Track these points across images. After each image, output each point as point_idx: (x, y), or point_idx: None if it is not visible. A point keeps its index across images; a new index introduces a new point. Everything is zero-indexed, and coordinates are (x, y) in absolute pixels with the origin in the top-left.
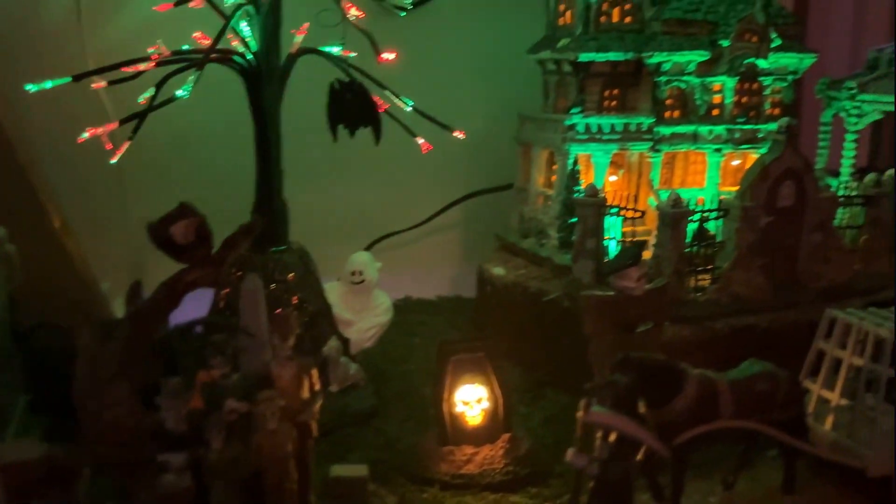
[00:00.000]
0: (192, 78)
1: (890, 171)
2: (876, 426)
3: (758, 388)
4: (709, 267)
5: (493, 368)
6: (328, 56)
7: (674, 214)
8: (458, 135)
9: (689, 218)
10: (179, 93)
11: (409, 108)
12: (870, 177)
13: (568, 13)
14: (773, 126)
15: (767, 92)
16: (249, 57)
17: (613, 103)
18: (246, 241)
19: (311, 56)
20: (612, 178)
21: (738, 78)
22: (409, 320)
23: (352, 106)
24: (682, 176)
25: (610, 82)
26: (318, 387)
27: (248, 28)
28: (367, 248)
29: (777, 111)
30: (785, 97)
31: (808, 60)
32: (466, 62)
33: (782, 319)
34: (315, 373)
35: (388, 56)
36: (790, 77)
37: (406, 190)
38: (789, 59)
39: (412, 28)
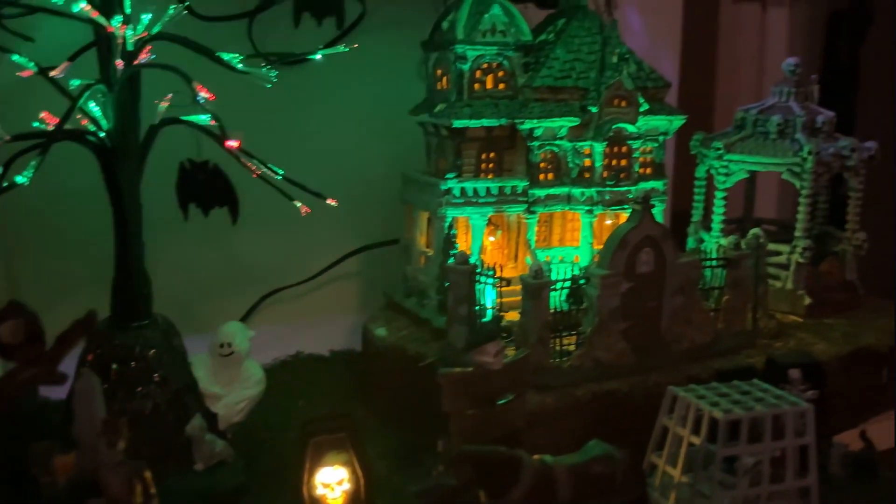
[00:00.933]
0: (33, 163)
1: (755, 231)
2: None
3: (595, 472)
4: (574, 332)
5: (354, 448)
6: (194, 125)
7: (535, 285)
8: (331, 202)
9: (556, 286)
10: (20, 178)
11: (279, 178)
12: (730, 239)
13: (444, 78)
14: (645, 185)
15: (636, 154)
16: (102, 135)
17: (490, 166)
18: (79, 338)
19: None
20: (491, 239)
21: (606, 143)
22: (297, 380)
23: (205, 185)
24: (561, 234)
25: (486, 146)
26: (152, 489)
27: (100, 106)
28: (257, 304)
29: (649, 171)
30: (656, 157)
31: (677, 122)
32: (363, 111)
33: (645, 383)
34: (149, 475)
35: (233, 144)
36: (661, 138)
37: (300, 242)
38: (659, 122)
39: (305, 86)
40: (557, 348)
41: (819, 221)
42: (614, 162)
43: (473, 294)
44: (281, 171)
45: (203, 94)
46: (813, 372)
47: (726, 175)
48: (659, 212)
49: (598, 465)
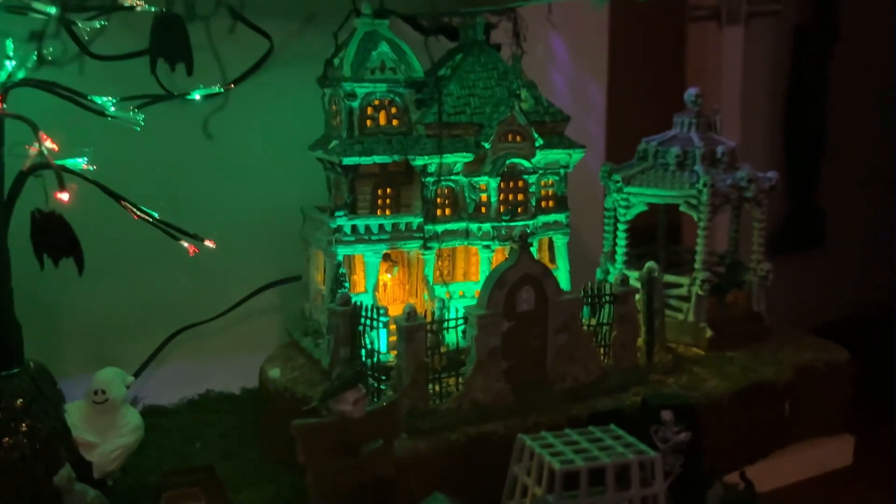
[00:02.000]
0: None
1: (649, 264)
2: None
3: None
4: (454, 373)
5: (209, 501)
6: (66, 170)
7: (408, 328)
8: (209, 244)
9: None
10: None
11: (152, 221)
12: (616, 274)
13: (338, 115)
14: (546, 219)
15: (533, 189)
16: None
17: (387, 202)
18: None
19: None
20: (389, 276)
21: (500, 178)
22: (199, 421)
23: (54, 236)
24: (465, 268)
25: (381, 182)
26: None
27: None
28: (167, 341)
29: (551, 203)
30: (557, 190)
31: (577, 155)
32: (275, 146)
33: (524, 424)
34: None
35: (63, 197)
36: (562, 171)
37: (211, 278)
38: (558, 155)
39: (214, 121)
40: (438, 390)
41: (731, 251)
42: (511, 196)
43: (355, 336)
44: (154, 214)
45: (48, 144)
46: (686, 413)
47: (627, 208)
48: (562, 245)
49: None
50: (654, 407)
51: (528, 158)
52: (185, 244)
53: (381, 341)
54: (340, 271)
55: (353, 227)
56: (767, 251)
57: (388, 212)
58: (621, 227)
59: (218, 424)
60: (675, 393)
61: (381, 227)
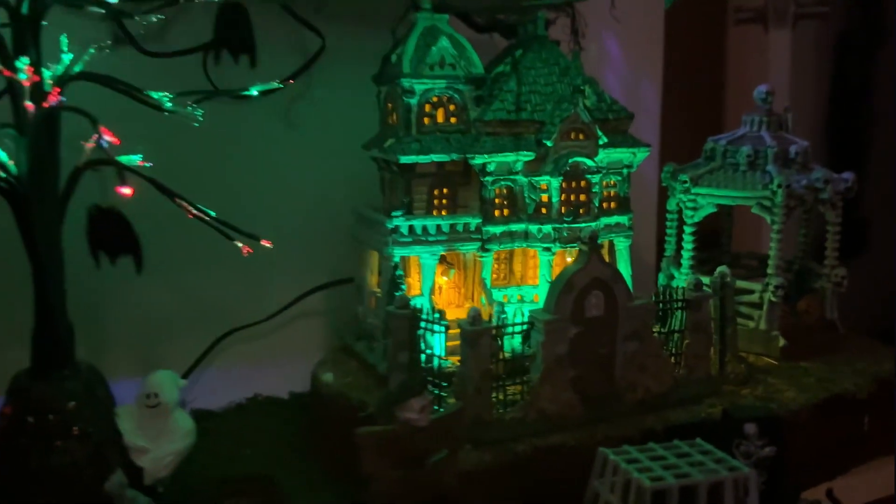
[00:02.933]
0: None
1: (721, 269)
2: None
3: None
4: (518, 380)
5: None
6: (123, 166)
7: (472, 332)
8: (265, 244)
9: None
10: None
11: (208, 220)
12: (689, 279)
13: (394, 113)
14: (608, 221)
15: (596, 189)
16: (13, 181)
17: (444, 202)
18: None
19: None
20: (445, 279)
21: (562, 177)
22: (249, 426)
23: (111, 233)
24: (522, 272)
25: (438, 182)
26: None
27: (11, 150)
28: (214, 345)
29: (613, 205)
30: (620, 191)
31: (641, 154)
32: (325, 146)
33: (593, 437)
34: None
35: (126, 191)
36: (624, 171)
37: (259, 280)
38: (622, 154)
39: (266, 120)
40: (501, 398)
41: (800, 256)
42: (573, 197)
43: (414, 341)
44: (212, 213)
45: (107, 138)
46: (771, 426)
47: (694, 209)
48: (625, 248)
49: None
50: (736, 419)
51: (591, 157)
52: (239, 244)
53: (440, 346)
54: (397, 273)
55: (410, 228)
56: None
57: (444, 212)
58: (688, 229)
59: (268, 429)
60: (757, 405)
61: (438, 227)
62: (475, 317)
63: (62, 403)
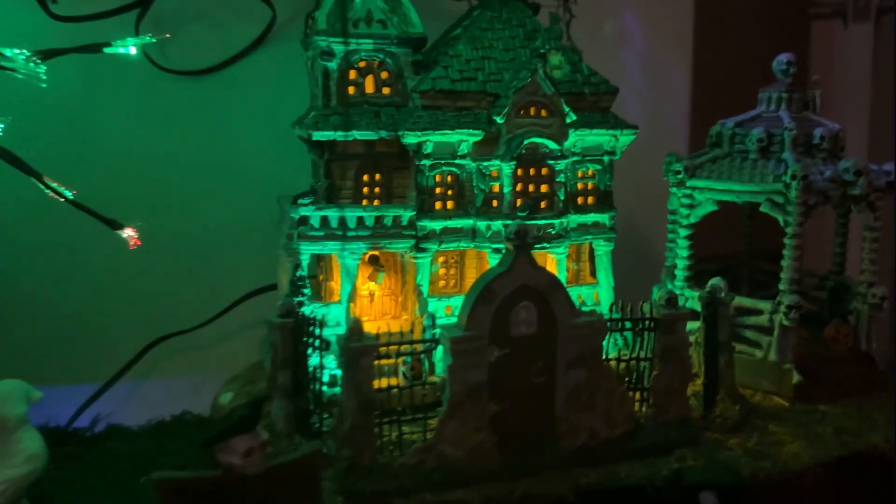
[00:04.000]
0: None
1: (714, 281)
2: None
3: None
4: (418, 415)
5: None
6: None
7: (352, 350)
8: (130, 232)
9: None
10: None
11: (66, 199)
12: (661, 292)
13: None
14: (584, 218)
15: (561, 178)
16: None
17: (376, 190)
18: None
19: None
20: (375, 283)
21: (514, 162)
22: (157, 448)
23: None
24: (476, 277)
25: (367, 166)
26: None
27: None
28: (143, 352)
29: (591, 200)
30: (599, 183)
31: (626, 138)
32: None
33: (511, 494)
34: None
35: None
36: (605, 158)
37: (201, 278)
38: (601, 137)
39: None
40: (395, 438)
41: (835, 271)
42: (531, 188)
43: (298, 358)
44: (68, 193)
45: None
46: (736, 497)
47: (690, 206)
48: (605, 254)
49: None
50: (690, 487)
51: (554, 139)
52: (124, 235)
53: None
54: (298, 274)
55: (323, 220)
56: None
57: (376, 203)
58: (682, 231)
59: (178, 454)
60: (728, 465)
61: (360, 220)
62: (353, 329)
63: None
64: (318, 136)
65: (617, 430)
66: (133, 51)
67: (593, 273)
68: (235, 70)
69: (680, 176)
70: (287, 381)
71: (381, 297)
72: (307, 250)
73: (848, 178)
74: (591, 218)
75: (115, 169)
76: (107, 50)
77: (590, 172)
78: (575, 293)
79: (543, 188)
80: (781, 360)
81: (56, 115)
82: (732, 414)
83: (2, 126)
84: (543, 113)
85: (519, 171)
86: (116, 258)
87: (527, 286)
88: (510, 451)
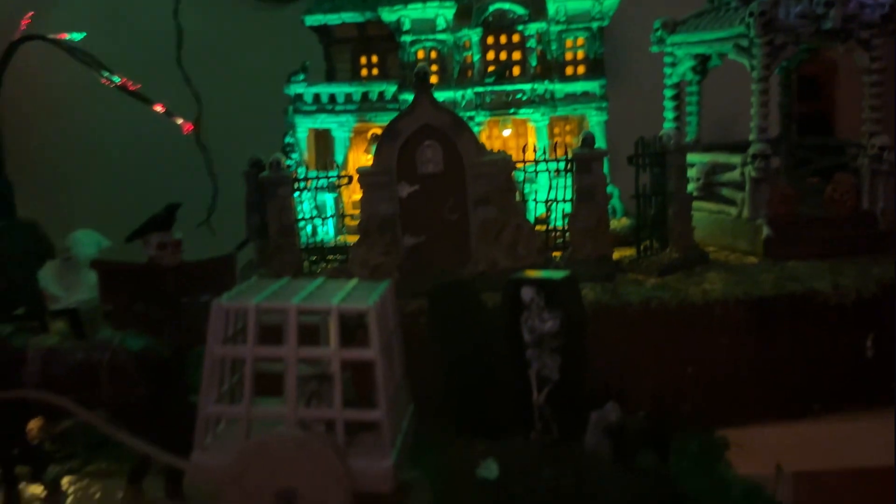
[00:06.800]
0: None
1: (666, 129)
2: None
3: (76, 360)
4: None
5: None
6: (55, 42)
7: (270, 180)
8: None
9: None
10: None
11: (113, 85)
12: (585, 132)
13: None
14: (573, 88)
15: (531, 44)
16: None
17: (374, 72)
18: None
19: None
20: (369, 155)
21: (481, 29)
22: None
23: None
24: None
25: (361, 48)
26: None
27: None
28: None
29: (581, 69)
30: (588, 51)
31: (611, 2)
32: None
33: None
34: None
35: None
36: (594, 24)
37: None
38: (585, 3)
39: None
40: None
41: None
42: (503, 56)
43: (261, 201)
44: (116, 78)
45: None
46: (555, 291)
47: (672, 66)
48: (597, 124)
49: (84, 353)
50: (514, 282)
51: (523, 4)
52: (179, 121)
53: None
54: (286, 140)
55: (315, 96)
56: None
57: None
58: (667, 93)
59: None
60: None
61: (348, 96)
62: (273, 164)
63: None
64: (310, 20)
65: (520, 263)
66: None
67: None
68: None
69: (658, 34)
70: (256, 221)
71: None
72: (303, 124)
73: (819, 10)
74: (580, 87)
75: None
76: None
77: (578, 41)
78: None
79: (516, 55)
80: (753, 217)
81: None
82: (667, 259)
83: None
84: None
85: (489, 39)
86: None
87: (430, 126)
88: (418, 275)
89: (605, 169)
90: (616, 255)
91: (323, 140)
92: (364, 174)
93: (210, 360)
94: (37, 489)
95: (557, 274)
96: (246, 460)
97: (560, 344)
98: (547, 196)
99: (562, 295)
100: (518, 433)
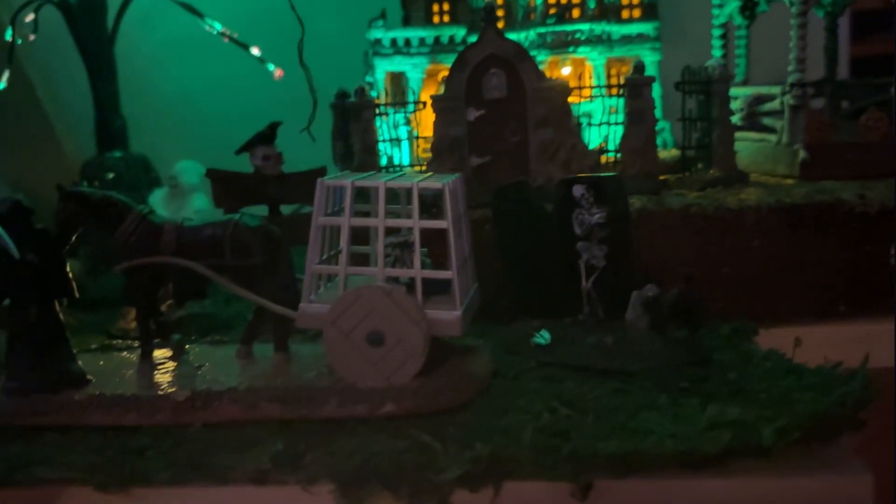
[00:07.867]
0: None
1: (713, 60)
2: None
3: (205, 234)
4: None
5: None
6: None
7: (354, 105)
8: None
9: None
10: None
11: (216, 32)
12: (636, 61)
13: None
14: (628, 30)
15: None
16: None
17: (445, 18)
18: None
19: None
20: None
21: None
22: None
23: None
24: None
25: None
26: None
27: None
28: None
29: (636, 13)
30: None
31: None
32: None
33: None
34: None
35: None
36: None
37: None
38: None
39: None
40: None
41: None
42: None
43: (346, 129)
44: (218, 25)
45: None
46: (603, 188)
47: (719, 6)
48: (651, 64)
49: (210, 228)
50: (566, 182)
51: None
52: (272, 68)
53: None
54: (366, 80)
55: (392, 41)
56: None
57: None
58: (714, 32)
59: None
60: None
61: (421, 40)
62: (359, 90)
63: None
64: None
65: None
66: None
67: None
68: None
69: None
70: (342, 148)
71: None
72: (382, 66)
73: None
74: (635, 28)
75: None
76: None
77: None
78: None
79: None
80: (791, 142)
81: None
82: (709, 177)
83: None
84: None
85: None
86: None
87: (495, 55)
88: (483, 194)
89: (658, 109)
90: (664, 178)
91: (397, 82)
92: (436, 99)
93: (315, 227)
94: (164, 352)
95: (605, 175)
96: (343, 306)
97: (606, 235)
98: (601, 120)
99: (609, 191)
100: (568, 315)
